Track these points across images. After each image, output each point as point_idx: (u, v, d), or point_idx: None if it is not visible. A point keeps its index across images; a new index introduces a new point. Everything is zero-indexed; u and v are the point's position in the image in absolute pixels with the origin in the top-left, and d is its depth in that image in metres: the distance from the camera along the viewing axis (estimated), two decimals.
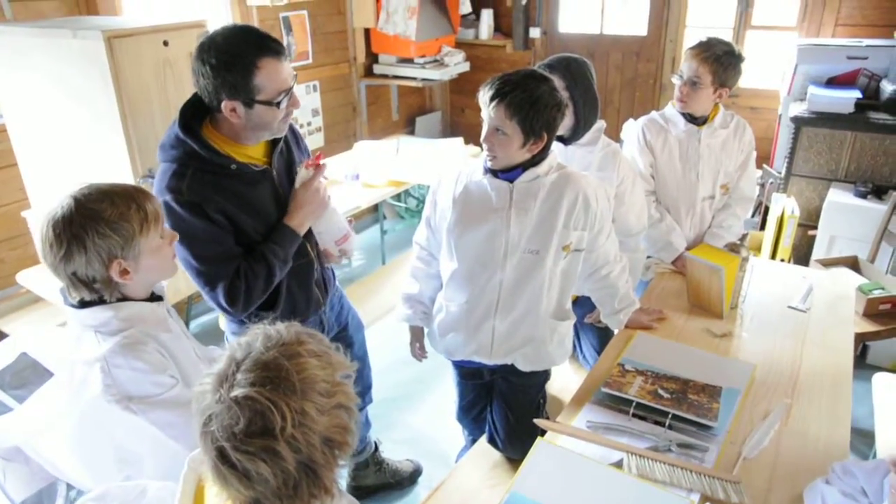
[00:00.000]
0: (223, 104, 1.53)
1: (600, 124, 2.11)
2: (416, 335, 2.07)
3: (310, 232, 1.81)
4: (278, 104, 1.55)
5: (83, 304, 1.35)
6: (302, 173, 1.72)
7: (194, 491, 1.03)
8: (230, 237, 1.64)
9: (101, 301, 1.35)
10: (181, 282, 1.59)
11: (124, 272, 1.32)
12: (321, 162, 1.73)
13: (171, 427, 1.36)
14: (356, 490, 2.47)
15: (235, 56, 1.49)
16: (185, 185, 1.57)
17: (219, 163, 1.60)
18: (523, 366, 1.87)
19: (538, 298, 1.78)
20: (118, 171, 2.22)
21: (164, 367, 1.36)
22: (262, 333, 0.93)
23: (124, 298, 1.37)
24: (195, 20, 2.29)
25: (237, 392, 0.86)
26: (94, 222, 1.27)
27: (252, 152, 1.69)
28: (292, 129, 1.87)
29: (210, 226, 1.59)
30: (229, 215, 1.62)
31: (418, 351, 2.09)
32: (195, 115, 1.63)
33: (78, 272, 1.29)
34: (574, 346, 2.22)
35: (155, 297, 1.46)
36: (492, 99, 1.59)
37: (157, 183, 1.61)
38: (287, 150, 1.80)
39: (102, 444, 1.40)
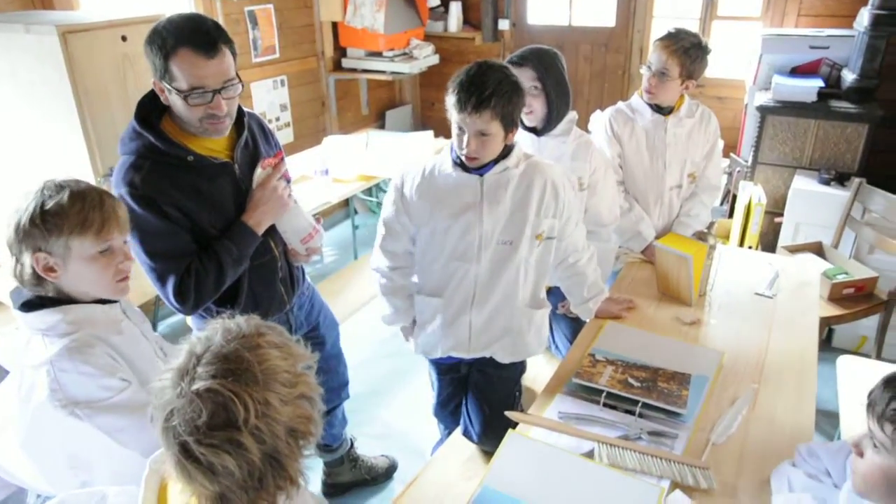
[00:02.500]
0: (154, 83, 1.54)
1: (572, 115, 2.11)
2: (409, 333, 2.00)
3: (273, 229, 1.78)
4: (187, 98, 1.51)
5: (31, 307, 1.32)
6: (258, 172, 1.69)
7: (157, 492, 1.01)
8: (184, 233, 1.61)
9: (50, 303, 1.32)
10: (146, 283, 1.56)
11: (49, 269, 1.29)
12: (282, 160, 1.71)
13: (121, 432, 1.33)
14: (332, 487, 2.46)
15: (162, 38, 1.48)
16: (140, 179, 1.55)
17: (175, 154, 1.57)
18: (502, 357, 1.87)
19: (514, 289, 1.78)
20: (77, 170, 2.16)
21: (114, 371, 1.33)
22: (222, 327, 0.92)
23: (73, 301, 1.34)
24: (153, 14, 2.24)
25: (198, 385, 0.84)
26: (35, 210, 1.27)
27: (213, 145, 1.66)
28: (261, 124, 1.85)
29: (163, 221, 1.57)
30: (185, 210, 1.60)
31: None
32: (156, 107, 1.61)
33: (23, 261, 1.29)
34: None
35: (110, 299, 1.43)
36: (475, 108, 1.56)
37: (114, 175, 1.59)
38: (253, 144, 1.77)
39: (54, 450, 1.36)
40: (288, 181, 1.81)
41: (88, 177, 2.19)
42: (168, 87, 1.52)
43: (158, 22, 1.52)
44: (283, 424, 0.88)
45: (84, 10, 2.90)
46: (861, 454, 1.07)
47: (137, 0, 3.33)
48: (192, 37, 1.48)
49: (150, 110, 1.60)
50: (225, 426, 0.83)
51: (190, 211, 1.60)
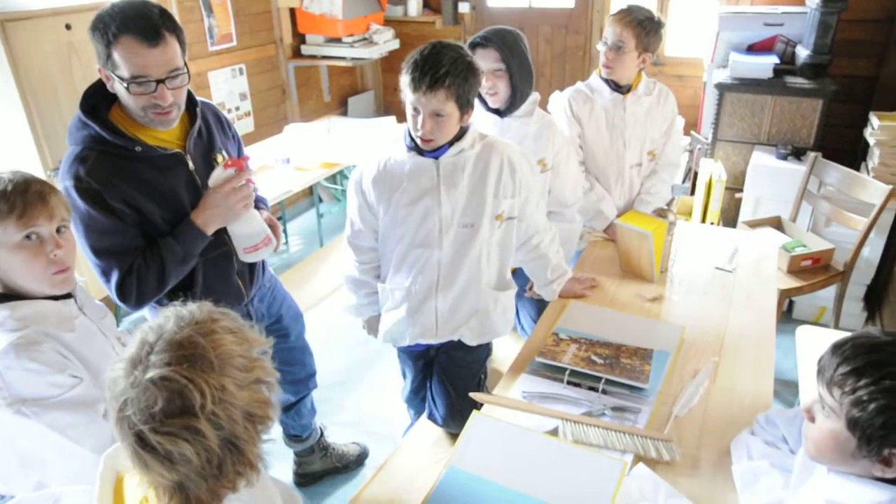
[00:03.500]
0: (99, 69, 1.49)
1: (535, 96, 2.11)
2: (373, 325, 1.99)
3: None
4: (129, 86, 1.47)
5: None
6: (217, 172, 1.60)
7: (113, 487, 0.99)
8: (130, 228, 1.58)
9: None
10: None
11: None
12: (245, 165, 1.62)
13: (72, 428, 1.29)
14: (303, 477, 2.45)
15: (105, 24, 1.44)
16: (85, 171, 1.50)
17: (123, 145, 1.53)
18: (470, 340, 1.87)
19: (478, 271, 1.78)
20: (25, 163, 2.10)
21: (64, 367, 1.30)
22: (174, 314, 0.91)
23: (21, 296, 1.30)
24: (98, 1, 2.16)
25: (152, 373, 0.83)
26: None
27: (164, 135, 1.62)
28: (217, 114, 1.81)
29: (107, 217, 1.53)
30: (133, 203, 1.56)
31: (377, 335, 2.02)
32: (104, 96, 1.56)
33: None
34: None
35: (65, 294, 1.39)
36: (430, 87, 1.54)
37: (61, 167, 1.55)
38: (208, 134, 1.73)
39: (3, 449, 1.33)
40: (255, 190, 1.76)
41: (37, 170, 2.12)
42: (111, 74, 1.48)
43: (103, 7, 1.47)
44: (240, 409, 0.87)
45: None
46: (812, 419, 1.09)
47: None
48: (134, 24, 1.44)
49: (99, 99, 1.56)
50: (181, 413, 0.82)
51: (138, 203, 1.56)
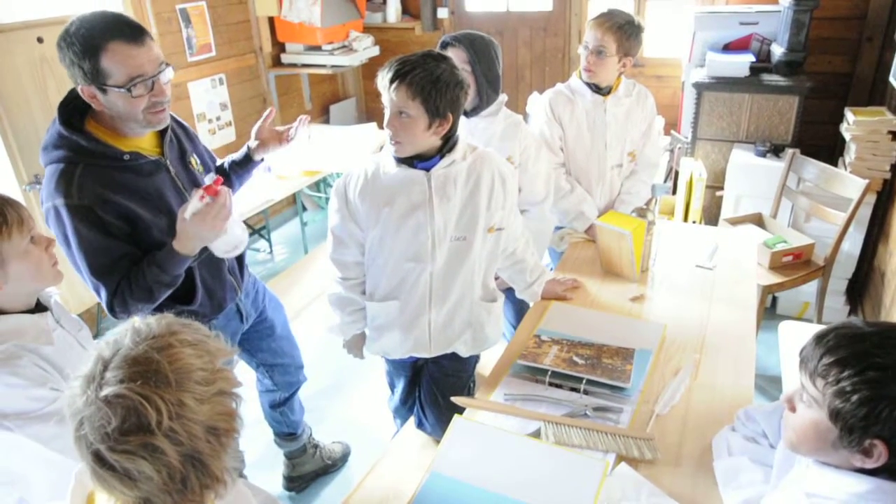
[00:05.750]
0: (81, 89, 1.48)
1: (502, 97, 2.11)
2: (357, 343, 1.94)
3: None
4: (130, 90, 1.47)
5: None
6: (194, 204, 1.54)
7: (84, 502, 0.98)
8: (121, 244, 1.56)
9: None
10: (85, 292, 1.49)
11: None
12: (220, 188, 1.56)
13: (57, 439, 1.30)
14: (294, 481, 2.44)
15: (84, 38, 1.44)
16: (74, 187, 1.48)
17: (110, 155, 1.53)
18: (464, 352, 1.86)
19: (470, 284, 1.76)
20: (0, 179, 2.08)
21: (44, 381, 1.30)
22: (131, 329, 0.90)
23: (1, 312, 1.29)
24: (71, 14, 2.15)
25: (107, 391, 0.82)
26: None
27: (142, 143, 1.62)
28: (177, 120, 1.81)
29: (97, 235, 1.52)
30: (127, 214, 1.55)
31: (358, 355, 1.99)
32: (77, 110, 1.55)
33: None
34: None
35: (40, 307, 1.38)
36: (392, 80, 1.52)
37: (44, 188, 1.52)
38: (177, 139, 1.74)
39: None
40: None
41: (12, 184, 2.10)
42: (102, 87, 1.47)
43: (68, 26, 1.46)
44: (200, 424, 0.86)
45: (2, 12, 2.78)
46: (793, 409, 1.08)
47: (61, 0, 3.21)
48: (118, 29, 1.46)
49: (73, 113, 1.55)
50: (137, 431, 0.81)
51: (132, 213, 1.56)
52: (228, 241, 1.69)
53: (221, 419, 0.89)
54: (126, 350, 0.86)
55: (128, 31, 1.46)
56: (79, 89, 1.49)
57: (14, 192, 1.74)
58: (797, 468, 1.13)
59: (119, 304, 1.57)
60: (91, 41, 1.43)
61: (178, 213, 1.54)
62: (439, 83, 1.53)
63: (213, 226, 1.55)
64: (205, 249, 1.70)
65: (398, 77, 1.52)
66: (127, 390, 0.82)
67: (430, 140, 1.59)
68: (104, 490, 0.86)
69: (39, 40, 2.06)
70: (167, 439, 0.82)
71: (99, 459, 0.82)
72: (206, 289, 1.78)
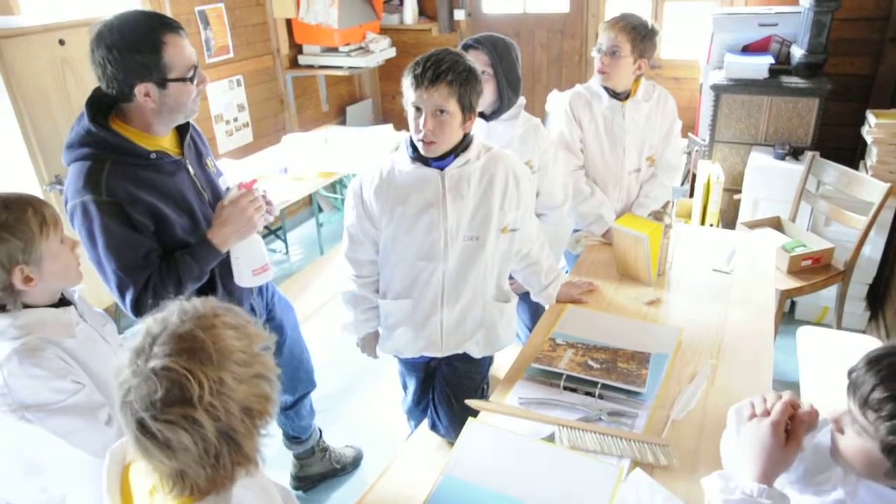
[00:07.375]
0: (136, 88, 1.50)
1: (521, 100, 2.11)
2: (371, 342, 1.96)
3: None
4: (191, 79, 1.53)
5: None
6: (233, 192, 1.67)
7: (120, 478, 1.03)
8: (148, 240, 1.58)
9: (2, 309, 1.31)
10: (103, 291, 1.51)
11: (27, 279, 1.29)
12: (255, 187, 1.70)
13: (75, 433, 1.33)
14: (302, 481, 2.46)
15: (141, 36, 1.46)
16: (103, 183, 1.50)
17: (137, 153, 1.55)
18: (476, 353, 1.86)
19: (483, 284, 1.76)
20: (22, 179, 2.10)
21: (66, 373, 1.33)
22: (178, 308, 0.94)
23: (25, 306, 1.33)
24: (93, 17, 2.18)
25: (154, 363, 0.86)
26: None
27: (164, 143, 1.64)
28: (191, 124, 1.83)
29: (126, 231, 1.53)
30: (152, 211, 1.57)
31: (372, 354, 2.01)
32: (99, 110, 1.57)
33: None
34: None
35: (64, 302, 1.42)
36: (432, 81, 1.53)
37: (70, 185, 1.53)
38: (193, 141, 1.77)
39: (9, 456, 1.35)
40: (269, 203, 1.79)
41: (34, 184, 2.13)
42: (162, 81, 1.50)
43: (109, 29, 1.45)
44: (237, 403, 0.90)
45: (25, 16, 2.82)
46: (841, 431, 1.04)
47: (84, 3, 3.25)
48: (165, 23, 1.51)
49: (96, 113, 1.56)
50: (180, 403, 0.85)
51: (158, 210, 1.58)
52: (260, 252, 1.74)
53: (257, 401, 0.93)
54: (173, 327, 0.90)
55: (173, 24, 1.51)
56: (133, 90, 1.49)
57: (35, 192, 1.76)
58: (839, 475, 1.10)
59: (143, 304, 1.57)
60: (150, 38, 1.47)
61: (218, 204, 1.64)
62: (469, 80, 1.57)
63: (248, 213, 1.63)
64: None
65: (438, 77, 1.53)
66: (173, 363, 0.86)
67: (458, 136, 1.62)
68: (144, 458, 0.90)
69: (61, 42, 2.09)
70: (206, 413, 0.86)
71: (142, 427, 0.87)
72: (225, 287, 1.79)
